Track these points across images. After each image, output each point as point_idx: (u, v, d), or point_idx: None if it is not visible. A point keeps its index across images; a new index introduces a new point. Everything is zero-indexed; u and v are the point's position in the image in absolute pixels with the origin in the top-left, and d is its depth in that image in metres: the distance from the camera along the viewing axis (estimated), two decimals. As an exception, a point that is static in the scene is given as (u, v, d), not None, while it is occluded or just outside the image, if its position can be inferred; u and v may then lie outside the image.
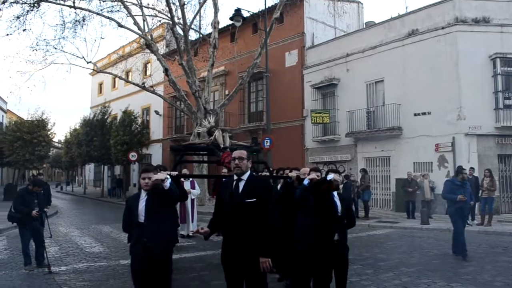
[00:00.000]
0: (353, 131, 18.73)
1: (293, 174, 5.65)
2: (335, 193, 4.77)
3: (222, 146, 6.29)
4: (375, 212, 16.66)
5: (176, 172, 5.88)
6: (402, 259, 8.28)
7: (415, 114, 16.83)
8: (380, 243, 10.33)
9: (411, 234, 11.81)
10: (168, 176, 4.57)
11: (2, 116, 48.37)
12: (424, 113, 16.59)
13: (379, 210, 17.78)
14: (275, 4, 18.96)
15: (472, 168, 13.73)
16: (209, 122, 6.68)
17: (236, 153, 4.17)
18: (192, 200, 11.54)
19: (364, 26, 23.08)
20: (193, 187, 11.49)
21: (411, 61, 17.13)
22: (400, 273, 7.14)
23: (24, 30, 17.54)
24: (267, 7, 18.67)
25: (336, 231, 4.66)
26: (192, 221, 11.61)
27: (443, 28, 16.27)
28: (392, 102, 17.37)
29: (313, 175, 4.90)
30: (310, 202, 4.72)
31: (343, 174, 16.96)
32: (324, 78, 20.45)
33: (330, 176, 4.58)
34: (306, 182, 4.81)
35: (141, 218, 4.36)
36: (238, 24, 18.17)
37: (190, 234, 11.34)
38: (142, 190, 4.49)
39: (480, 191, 13.24)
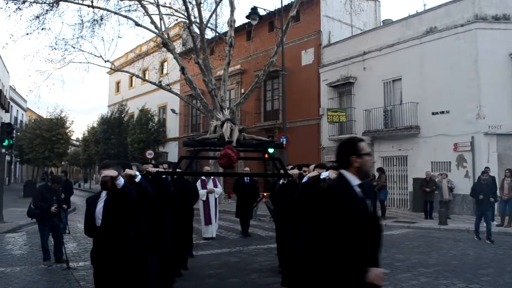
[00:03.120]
0: (370, 130, 18.57)
1: (295, 171, 4.90)
2: None
3: (227, 139, 5.68)
4: (392, 212, 16.50)
5: (157, 169, 5.37)
6: (420, 260, 8.17)
7: (433, 113, 16.61)
8: (397, 243, 10.22)
9: (428, 235, 11.66)
10: (137, 173, 4.05)
11: (22, 114, 49.28)
12: (442, 112, 16.36)
13: (396, 210, 17.60)
14: (292, 2, 18.86)
15: (487, 168, 13.38)
16: (223, 115, 6.16)
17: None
18: (215, 200, 10.93)
19: (381, 24, 22.86)
20: (215, 185, 10.90)
21: (429, 59, 16.90)
22: (418, 273, 7.05)
23: (43, 29, 17.79)
24: (283, 5, 18.61)
25: None
26: (215, 222, 10.93)
27: (462, 25, 16.01)
28: (409, 101, 17.17)
29: (315, 173, 4.19)
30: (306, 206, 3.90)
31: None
32: (340, 76, 20.31)
33: (325, 174, 3.81)
34: (305, 180, 4.11)
35: (98, 222, 3.81)
36: (254, 22, 18.15)
37: (214, 236, 10.72)
38: (103, 190, 3.92)
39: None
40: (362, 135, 18.87)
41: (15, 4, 16.34)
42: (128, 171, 3.99)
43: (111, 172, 3.68)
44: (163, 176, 5.60)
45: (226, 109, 6.73)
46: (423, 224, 13.46)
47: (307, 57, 22.18)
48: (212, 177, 10.85)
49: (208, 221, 10.53)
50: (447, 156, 16.17)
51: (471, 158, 15.45)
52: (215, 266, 7.69)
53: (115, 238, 3.77)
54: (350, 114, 19.68)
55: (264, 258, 8.33)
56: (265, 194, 13.30)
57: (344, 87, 20.34)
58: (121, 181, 3.72)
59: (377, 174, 16.26)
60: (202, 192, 10.28)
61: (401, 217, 15.18)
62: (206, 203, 10.47)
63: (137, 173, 4.05)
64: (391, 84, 18.41)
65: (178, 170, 6.50)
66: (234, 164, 5.28)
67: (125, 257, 3.78)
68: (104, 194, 3.88)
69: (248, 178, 11.37)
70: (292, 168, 5.63)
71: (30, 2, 16.57)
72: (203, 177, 10.57)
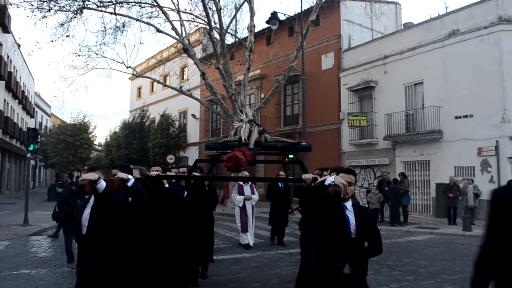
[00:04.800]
0: (391, 135, 18.37)
1: (308, 176, 4.30)
2: (348, 204, 3.36)
3: (243, 140, 5.27)
4: (414, 218, 16.25)
5: (157, 172, 4.94)
6: (443, 266, 8.03)
7: (456, 117, 16.33)
8: (420, 249, 10.06)
9: (452, 241, 11.45)
10: (130, 176, 3.70)
11: (46, 119, 50.38)
12: (465, 116, 16.08)
13: (418, 215, 17.34)
14: (311, 6, 18.87)
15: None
16: (246, 116, 5.77)
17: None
18: (253, 207, 10.29)
19: (402, 28, 22.64)
20: (252, 191, 10.28)
21: (452, 62, 16.64)
22: (442, 280, 6.92)
23: (67, 36, 18.23)
24: (303, 10, 18.61)
25: (347, 260, 3.22)
26: (252, 230, 10.28)
27: (485, 27, 15.73)
28: (432, 105, 16.93)
29: (325, 178, 3.63)
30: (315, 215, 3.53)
31: (385, 175, 16.54)
32: (361, 80, 20.17)
33: (330, 179, 3.25)
34: (327, 182, 3.50)
35: (84, 229, 3.54)
36: (274, 27, 18.19)
37: (251, 244, 10.06)
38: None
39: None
40: (383, 139, 18.72)
41: (40, 12, 16.76)
42: (120, 174, 3.71)
43: (90, 175, 3.33)
44: (173, 181, 5.32)
45: (249, 110, 6.37)
46: (446, 230, 13.23)
47: (327, 62, 22.11)
48: (249, 183, 10.32)
49: (244, 229, 9.99)
50: (471, 161, 15.86)
51: (495, 163, 15.11)
52: (236, 270, 7.69)
53: (100, 247, 3.46)
54: (371, 119, 19.51)
55: (285, 263, 8.30)
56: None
57: (364, 91, 20.19)
58: (102, 184, 3.33)
59: (399, 179, 16.09)
60: (239, 199, 10.04)
61: (423, 223, 14.95)
62: (243, 210, 10.02)
63: (130, 176, 3.72)
64: (413, 88, 18.19)
65: (195, 173, 6.40)
66: (242, 167, 4.85)
67: (110, 269, 3.47)
68: (92, 199, 3.59)
69: (283, 183, 10.70)
70: (317, 173, 5.34)
71: (55, 10, 16.97)
72: (240, 183, 10.16)
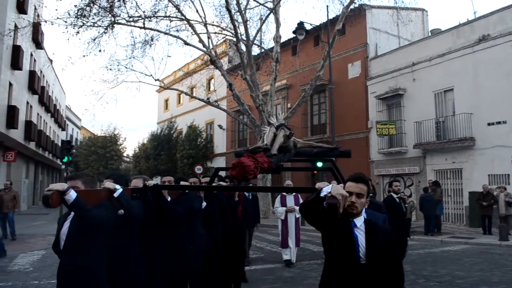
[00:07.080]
0: (421, 143, 18.08)
1: (322, 185, 3.41)
2: (358, 221, 2.69)
3: (265, 145, 4.70)
4: (447, 227, 15.89)
5: (154, 182, 4.39)
6: (482, 277, 7.81)
7: (489, 124, 15.97)
8: (456, 260, 9.83)
9: (489, 251, 11.14)
10: (117, 187, 3.38)
11: (77, 132, 51.64)
12: (499, 122, 15.71)
13: (451, 225, 16.95)
14: (337, 15, 18.90)
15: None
16: (277, 120, 5.32)
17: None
18: (297, 219, 9.24)
19: (430, 34, 22.37)
20: (297, 203, 9.11)
21: (483, 68, 16.32)
22: (481, 291, 6.75)
23: (99, 51, 18.75)
24: (329, 19, 18.63)
25: None
26: (297, 245, 9.31)
27: (517, 32, 15.44)
28: (463, 112, 16.61)
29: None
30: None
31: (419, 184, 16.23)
32: (389, 88, 19.97)
33: (326, 189, 2.62)
34: (323, 193, 2.65)
35: (62, 243, 3.21)
36: (301, 37, 18.24)
37: (293, 261, 9.13)
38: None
39: None
40: (413, 148, 18.45)
41: (74, 28, 17.30)
42: (106, 184, 3.40)
43: (58, 185, 2.94)
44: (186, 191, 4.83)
45: (280, 114, 5.90)
46: (482, 239, 12.89)
47: (354, 70, 22.00)
48: (293, 193, 9.28)
49: (284, 244, 9.10)
50: (505, 168, 15.45)
51: (532, 170, 14.70)
52: (270, 280, 7.68)
53: (77, 265, 3.09)
54: (400, 127, 19.26)
55: (318, 273, 8.18)
56: None
57: (393, 99, 19.97)
58: (70, 196, 2.91)
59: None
60: (280, 210, 9.18)
61: (457, 233, 14.61)
62: (285, 223, 9.15)
63: (117, 186, 3.38)
64: (443, 94, 17.90)
65: (221, 183, 6.18)
66: (250, 176, 4.02)
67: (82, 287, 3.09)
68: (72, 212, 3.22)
69: None
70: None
71: (87, 26, 17.49)
72: (283, 193, 9.37)
